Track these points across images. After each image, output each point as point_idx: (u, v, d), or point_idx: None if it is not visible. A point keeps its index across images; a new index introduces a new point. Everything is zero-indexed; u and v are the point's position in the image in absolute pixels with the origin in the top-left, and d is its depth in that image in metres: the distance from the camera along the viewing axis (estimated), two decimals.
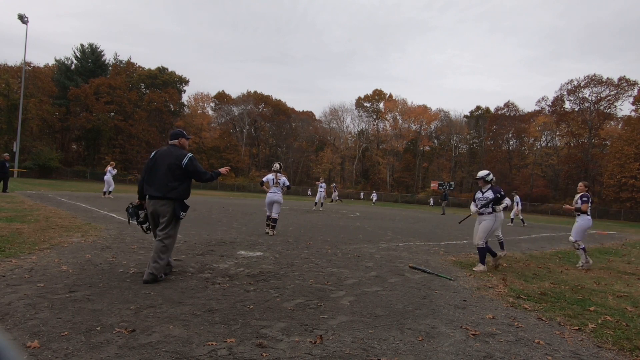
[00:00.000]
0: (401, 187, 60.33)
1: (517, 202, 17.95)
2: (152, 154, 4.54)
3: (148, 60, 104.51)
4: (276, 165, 8.99)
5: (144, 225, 4.71)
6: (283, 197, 8.96)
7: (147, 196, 4.44)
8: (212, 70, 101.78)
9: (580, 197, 7.02)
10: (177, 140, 4.53)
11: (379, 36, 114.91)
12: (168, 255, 4.28)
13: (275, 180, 8.76)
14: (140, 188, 4.53)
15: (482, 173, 6.31)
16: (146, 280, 4.05)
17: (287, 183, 8.90)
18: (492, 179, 6.26)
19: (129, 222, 4.80)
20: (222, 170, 4.81)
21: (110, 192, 17.28)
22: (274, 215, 8.64)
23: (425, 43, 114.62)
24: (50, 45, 78.84)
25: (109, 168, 17.18)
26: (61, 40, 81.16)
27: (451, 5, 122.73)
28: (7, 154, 17.56)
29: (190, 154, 4.43)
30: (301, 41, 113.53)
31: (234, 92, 77.72)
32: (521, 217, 18.28)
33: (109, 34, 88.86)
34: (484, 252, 6.04)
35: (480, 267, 5.98)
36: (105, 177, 17.08)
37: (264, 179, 8.97)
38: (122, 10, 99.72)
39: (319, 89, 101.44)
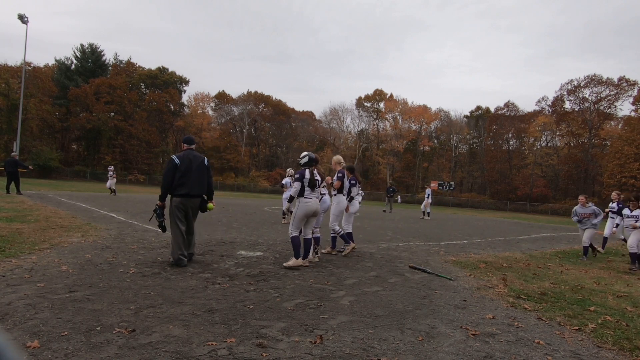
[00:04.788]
0: (401, 187, 60.26)
1: (428, 195, 18.65)
2: (178, 159, 4.92)
3: (148, 60, 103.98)
4: (288, 171, 11.73)
5: (164, 224, 5.19)
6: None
7: (175, 195, 4.93)
8: (212, 70, 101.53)
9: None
10: (194, 145, 5.30)
11: (376, 34, 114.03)
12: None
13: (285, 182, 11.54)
14: (166, 190, 4.91)
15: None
16: (189, 259, 5.08)
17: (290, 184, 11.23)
18: (304, 162, 5.43)
19: (160, 226, 5.16)
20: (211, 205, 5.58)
21: None
22: (284, 208, 10.87)
23: (423, 42, 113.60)
24: (48, 45, 78.61)
25: None
26: (59, 40, 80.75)
27: (449, 2, 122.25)
28: (14, 152, 17.65)
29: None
30: (298, 40, 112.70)
31: (234, 92, 77.73)
32: (428, 210, 18.64)
33: (107, 33, 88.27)
34: (302, 243, 5.39)
35: (292, 262, 5.25)
36: None
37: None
38: (121, 10, 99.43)
39: (318, 88, 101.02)
